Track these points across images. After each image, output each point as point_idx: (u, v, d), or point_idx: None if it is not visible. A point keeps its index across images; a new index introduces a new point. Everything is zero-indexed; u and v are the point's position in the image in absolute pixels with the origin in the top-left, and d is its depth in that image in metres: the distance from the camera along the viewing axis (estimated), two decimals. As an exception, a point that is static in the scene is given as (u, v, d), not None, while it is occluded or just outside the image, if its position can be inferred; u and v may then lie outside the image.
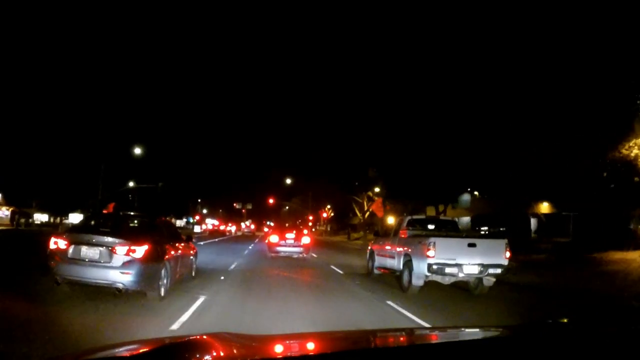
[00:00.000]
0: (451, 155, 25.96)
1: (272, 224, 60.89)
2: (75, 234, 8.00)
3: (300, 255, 19.14)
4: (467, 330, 2.97)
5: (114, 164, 40.71)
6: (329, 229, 69.73)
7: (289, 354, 1.96)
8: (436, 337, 2.55)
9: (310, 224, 67.54)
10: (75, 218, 51.47)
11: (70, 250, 7.57)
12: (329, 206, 66.44)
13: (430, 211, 34.62)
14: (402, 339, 2.57)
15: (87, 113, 46.60)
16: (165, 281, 8.31)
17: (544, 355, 1.81)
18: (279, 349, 2.01)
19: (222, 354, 1.83)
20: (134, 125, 55.95)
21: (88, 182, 38.56)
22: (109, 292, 7.74)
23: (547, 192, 25.60)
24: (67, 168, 45.04)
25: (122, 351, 1.86)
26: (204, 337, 2.09)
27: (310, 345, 2.24)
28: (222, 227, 79.23)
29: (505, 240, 10.88)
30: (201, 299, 8.48)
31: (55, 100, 43.36)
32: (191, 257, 10.92)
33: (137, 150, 38.59)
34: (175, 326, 6.41)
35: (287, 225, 28.17)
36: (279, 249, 19.09)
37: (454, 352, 1.89)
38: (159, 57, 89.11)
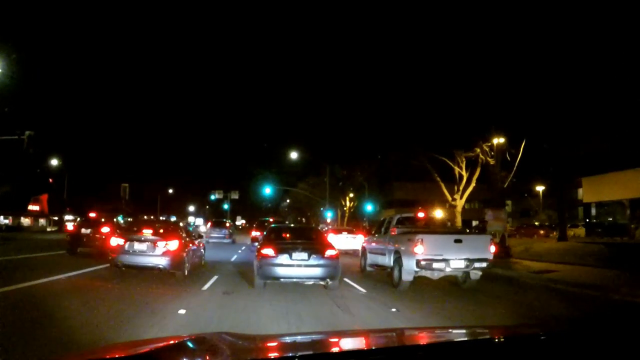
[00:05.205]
0: None
1: (270, 219, 42.57)
2: (129, 234, 12.10)
3: (323, 283, 10.63)
4: (465, 330, 3.11)
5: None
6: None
7: (288, 353, 1.95)
8: (432, 337, 2.59)
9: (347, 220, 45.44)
10: None
11: (127, 245, 11.65)
12: (351, 194, 46.10)
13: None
14: (401, 338, 2.59)
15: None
16: (187, 265, 12.42)
17: (541, 356, 1.85)
18: (278, 348, 2.08)
19: (221, 353, 1.86)
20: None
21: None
22: (151, 273, 11.85)
23: None
24: None
25: (123, 351, 1.89)
26: (204, 337, 2.15)
27: (310, 345, 2.30)
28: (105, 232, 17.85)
29: (490, 236, 11.62)
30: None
31: None
32: (201, 250, 15.15)
33: None
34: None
35: (291, 224, 20.62)
36: (279, 271, 10.18)
37: (453, 352, 1.92)
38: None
